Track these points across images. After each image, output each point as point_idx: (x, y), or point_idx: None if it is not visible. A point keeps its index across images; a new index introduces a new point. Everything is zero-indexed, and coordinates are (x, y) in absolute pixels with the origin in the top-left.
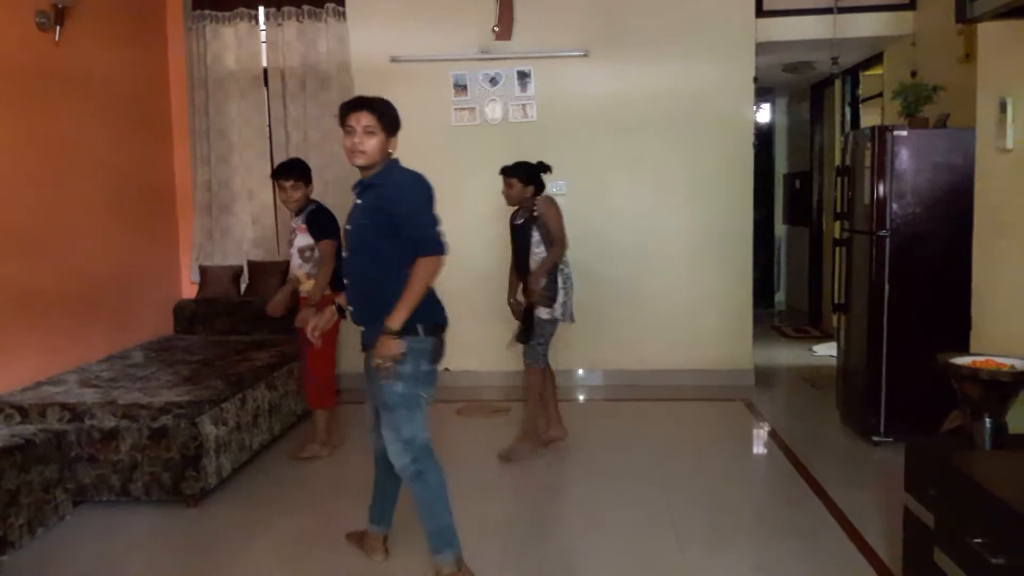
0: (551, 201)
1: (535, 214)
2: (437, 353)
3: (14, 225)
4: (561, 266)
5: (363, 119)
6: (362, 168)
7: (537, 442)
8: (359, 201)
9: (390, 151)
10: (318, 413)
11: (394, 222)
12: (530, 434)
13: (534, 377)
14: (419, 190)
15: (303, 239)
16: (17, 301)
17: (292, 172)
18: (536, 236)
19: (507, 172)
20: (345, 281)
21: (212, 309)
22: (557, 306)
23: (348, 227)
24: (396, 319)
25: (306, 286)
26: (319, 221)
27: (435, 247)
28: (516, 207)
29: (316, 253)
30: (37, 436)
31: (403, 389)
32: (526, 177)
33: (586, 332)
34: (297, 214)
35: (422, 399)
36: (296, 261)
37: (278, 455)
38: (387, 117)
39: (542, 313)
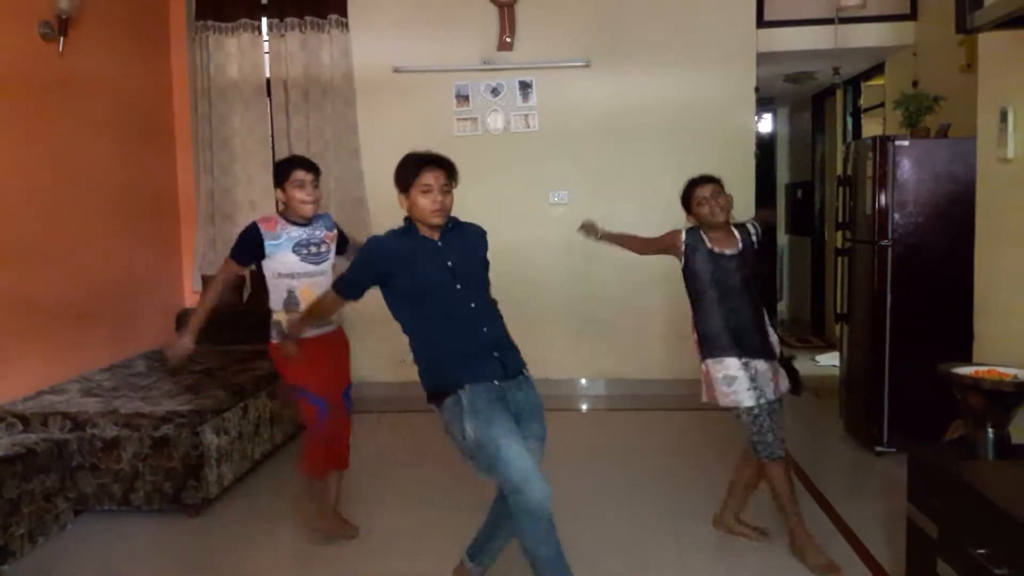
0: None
1: (755, 239)
2: None
3: (17, 233)
4: None
5: (440, 177)
6: (436, 227)
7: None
8: (440, 244)
9: None
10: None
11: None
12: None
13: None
14: None
15: (333, 253)
16: (19, 309)
17: (312, 165)
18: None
19: (709, 180)
20: (483, 325)
21: (214, 318)
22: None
23: (449, 264)
24: None
25: (335, 317)
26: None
27: None
28: (698, 233)
29: None
30: (39, 445)
31: None
32: (720, 182)
33: (588, 341)
34: (310, 221)
35: None
36: (329, 281)
37: (279, 465)
38: (455, 174)
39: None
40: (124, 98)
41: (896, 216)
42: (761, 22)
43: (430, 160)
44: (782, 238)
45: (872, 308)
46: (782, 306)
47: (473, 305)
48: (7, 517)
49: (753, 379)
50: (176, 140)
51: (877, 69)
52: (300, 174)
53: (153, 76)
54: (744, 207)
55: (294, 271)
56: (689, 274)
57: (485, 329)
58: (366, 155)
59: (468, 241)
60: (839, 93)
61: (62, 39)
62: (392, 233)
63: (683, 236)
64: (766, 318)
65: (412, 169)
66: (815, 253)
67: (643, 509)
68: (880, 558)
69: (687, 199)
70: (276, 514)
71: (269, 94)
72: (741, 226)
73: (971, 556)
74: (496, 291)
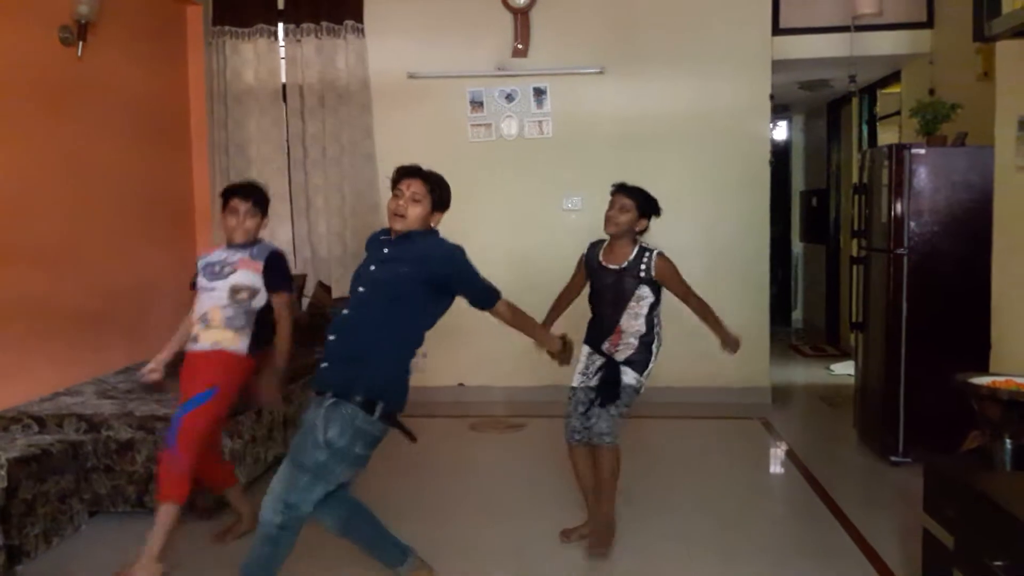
0: (666, 260)
1: (643, 272)
2: (377, 442)
3: (34, 237)
4: (658, 329)
5: (413, 186)
6: (398, 233)
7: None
8: (386, 250)
9: (432, 225)
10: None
11: (441, 281)
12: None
13: (615, 457)
14: (465, 257)
15: (244, 277)
16: (36, 312)
17: (251, 193)
18: (644, 293)
19: (624, 190)
20: (332, 333)
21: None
22: (645, 375)
23: (372, 268)
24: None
25: (219, 337)
26: (284, 268)
27: (496, 292)
28: (601, 245)
29: (252, 302)
30: (54, 446)
31: (326, 459)
32: (644, 205)
33: None
34: (242, 247)
35: (336, 475)
36: (221, 302)
37: None
38: (438, 191)
39: (629, 378)
40: (141, 102)
41: (912, 224)
42: (776, 29)
43: (412, 171)
44: (797, 246)
45: (888, 317)
46: (796, 314)
47: (346, 312)
48: (22, 517)
49: (586, 368)
50: (192, 144)
51: (893, 77)
52: (235, 201)
53: (170, 81)
54: (759, 214)
55: (198, 285)
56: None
57: (332, 337)
58: (381, 161)
59: (415, 254)
60: (855, 101)
61: (81, 44)
62: (382, 229)
63: (584, 255)
64: (634, 329)
65: (395, 175)
66: (830, 261)
67: (655, 518)
68: (895, 569)
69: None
70: None
71: (285, 99)
72: (644, 251)
73: (988, 568)
74: (508, 296)
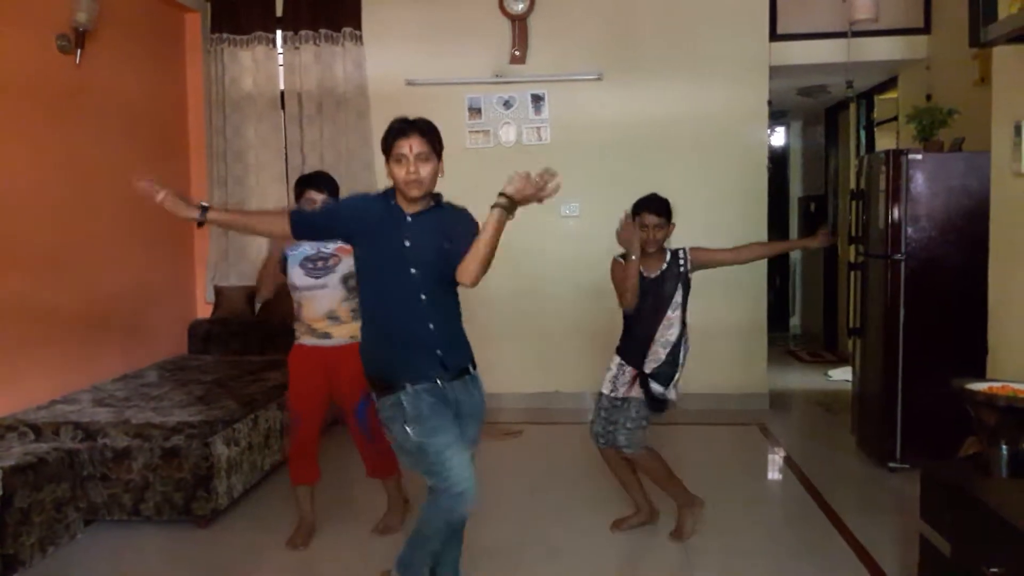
0: (694, 247)
1: (682, 268)
2: None
3: (31, 243)
4: (685, 338)
5: (415, 144)
6: (415, 200)
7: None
8: (409, 219)
9: (440, 175)
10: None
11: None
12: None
13: (647, 460)
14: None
15: (348, 264)
16: (33, 319)
17: (326, 183)
18: (679, 297)
19: (650, 208)
20: (429, 321)
21: (226, 329)
22: (671, 388)
23: (406, 244)
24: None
25: (354, 331)
26: None
27: None
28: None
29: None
30: (50, 455)
31: None
32: (669, 215)
33: (597, 354)
34: None
35: None
36: (340, 295)
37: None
38: (435, 138)
39: (655, 390)
40: (139, 110)
41: (909, 230)
42: (774, 35)
43: (407, 126)
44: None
45: (885, 323)
46: (794, 320)
47: (424, 297)
48: (18, 526)
49: (615, 377)
50: (191, 152)
51: (890, 82)
52: (311, 194)
53: (168, 88)
54: (757, 220)
55: (296, 284)
56: None
57: (431, 326)
58: (380, 168)
59: (443, 225)
60: (852, 106)
61: (79, 51)
62: (374, 195)
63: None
64: (665, 339)
65: (389, 137)
66: (828, 267)
67: (652, 524)
68: (892, 575)
69: (635, 215)
70: (285, 526)
71: (283, 106)
72: (676, 251)
73: (984, 575)
74: (506, 303)
